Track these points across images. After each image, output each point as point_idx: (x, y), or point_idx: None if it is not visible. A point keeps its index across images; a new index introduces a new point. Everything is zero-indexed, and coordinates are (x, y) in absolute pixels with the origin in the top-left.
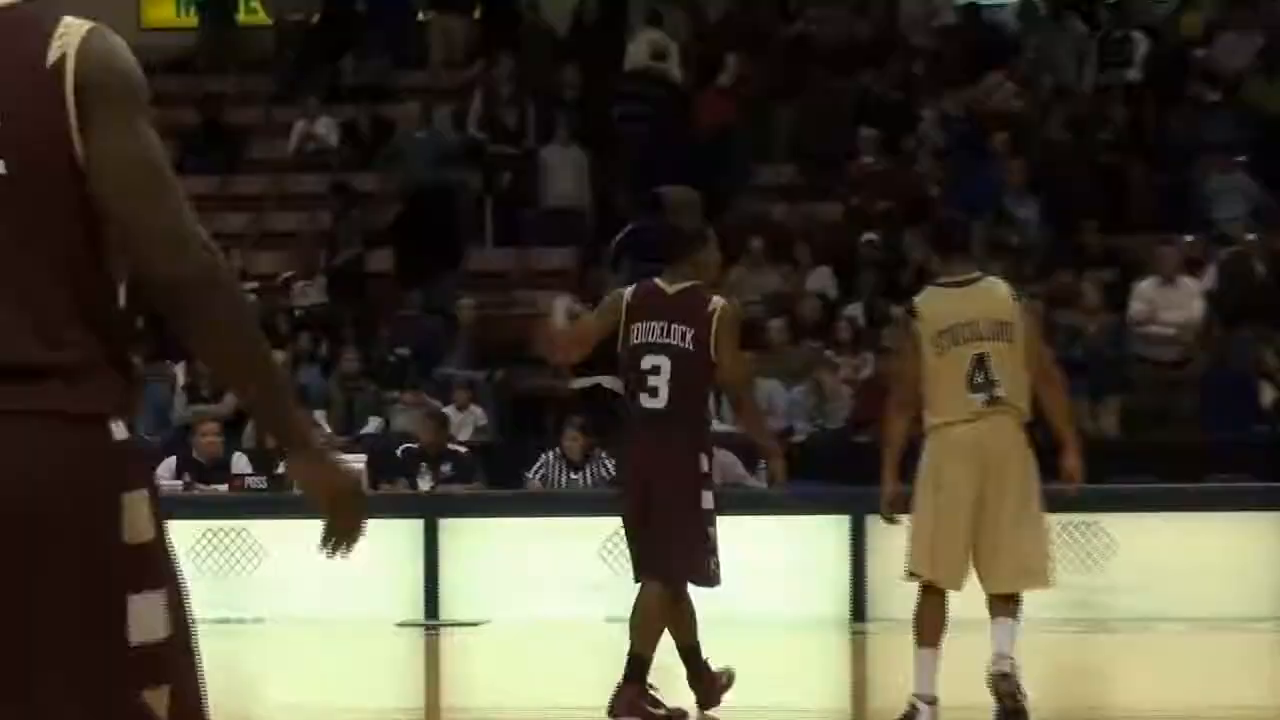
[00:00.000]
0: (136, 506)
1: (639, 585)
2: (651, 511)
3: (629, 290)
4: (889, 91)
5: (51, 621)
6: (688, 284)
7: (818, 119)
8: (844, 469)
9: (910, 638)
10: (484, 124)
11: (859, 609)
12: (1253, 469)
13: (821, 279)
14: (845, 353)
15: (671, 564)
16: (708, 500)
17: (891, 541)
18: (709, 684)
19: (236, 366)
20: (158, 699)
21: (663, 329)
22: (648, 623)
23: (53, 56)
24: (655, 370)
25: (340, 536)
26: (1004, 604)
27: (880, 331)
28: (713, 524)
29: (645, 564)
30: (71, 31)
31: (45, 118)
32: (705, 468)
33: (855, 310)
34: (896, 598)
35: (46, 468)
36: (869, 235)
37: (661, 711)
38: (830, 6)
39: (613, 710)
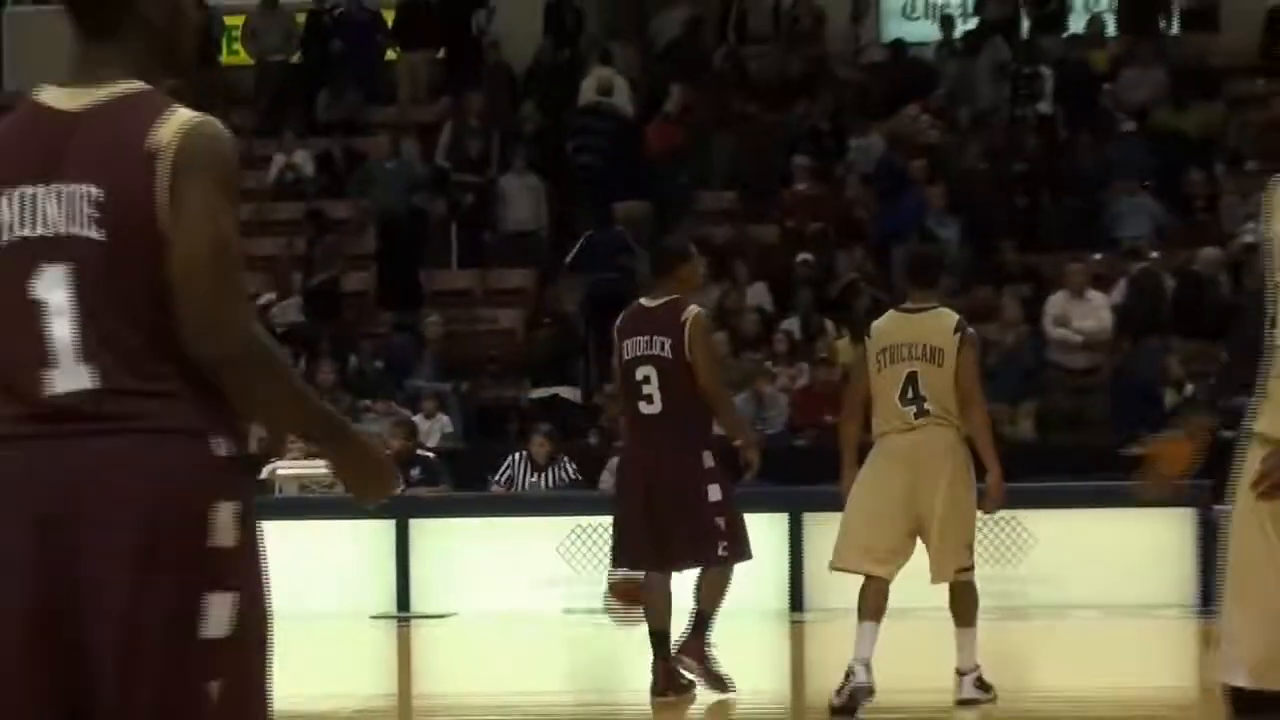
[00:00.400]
0: (225, 515)
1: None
2: (654, 508)
3: (620, 318)
4: (820, 123)
5: (141, 608)
6: (668, 298)
7: (755, 148)
8: (783, 471)
9: (842, 626)
10: (451, 154)
11: (797, 600)
12: None
13: (759, 295)
14: (782, 363)
15: (673, 555)
16: (715, 493)
17: (826, 538)
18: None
19: (273, 423)
20: (213, 688)
21: (646, 342)
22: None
23: (156, 141)
24: (647, 380)
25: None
26: (955, 613)
27: (814, 344)
28: (722, 514)
29: (643, 556)
30: (178, 119)
31: (140, 196)
32: (709, 463)
33: (791, 324)
34: (832, 590)
35: (150, 474)
36: (803, 255)
37: (719, 671)
38: (765, 44)
39: (678, 653)
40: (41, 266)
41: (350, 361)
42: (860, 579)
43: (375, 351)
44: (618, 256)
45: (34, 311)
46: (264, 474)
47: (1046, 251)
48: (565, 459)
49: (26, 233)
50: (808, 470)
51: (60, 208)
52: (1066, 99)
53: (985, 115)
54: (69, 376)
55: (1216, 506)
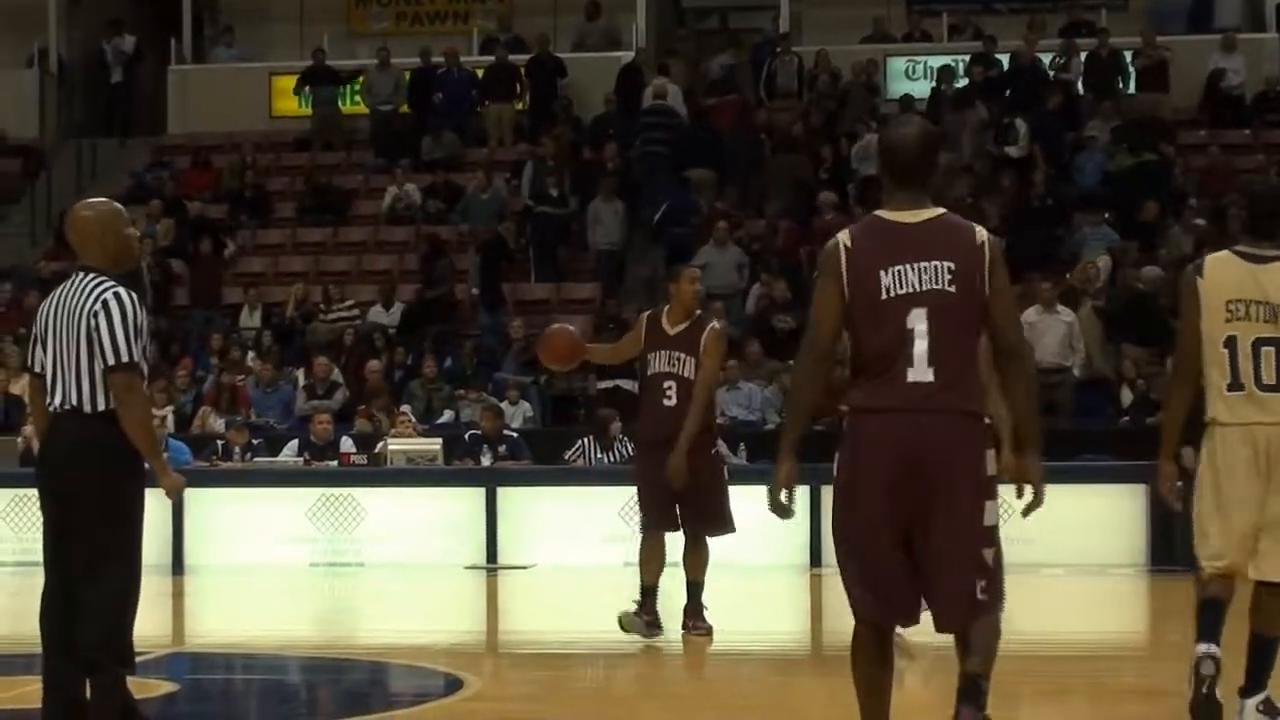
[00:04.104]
0: (989, 456)
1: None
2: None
3: (644, 323)
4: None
5: (957, 501)
6: (689, 322)
7: (787, 184)
8: (805, 450)
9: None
10: (532, 189)
11: (815, 557)
12: (1115, 451)
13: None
14: None
15: (702, 519)
16: (724, 473)
17: None
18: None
19: (1020, 396)
20: (989, 555)
21: (668, 359)
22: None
23: (979, 240)
24: (669, 388)
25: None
26: None
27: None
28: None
29: (669, 519)
30: (980, 230)
31: (975, 271)
32: (718, 447)
33: None
34: None
35: (961, 433)
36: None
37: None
38: (790, 99)
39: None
40: (911, 309)
41: (452, 357)
42: None
43: (471, 349)
44: (689, 216)
45: (907, 336)
46: (377, 449)
47: (1021, 272)
48: (625, 439)
49: (900, 291)
50: (825, 450)
51: (919, 276)
52: (1042, 144)
53: (971, 157)
54: (919, 373)
55: None
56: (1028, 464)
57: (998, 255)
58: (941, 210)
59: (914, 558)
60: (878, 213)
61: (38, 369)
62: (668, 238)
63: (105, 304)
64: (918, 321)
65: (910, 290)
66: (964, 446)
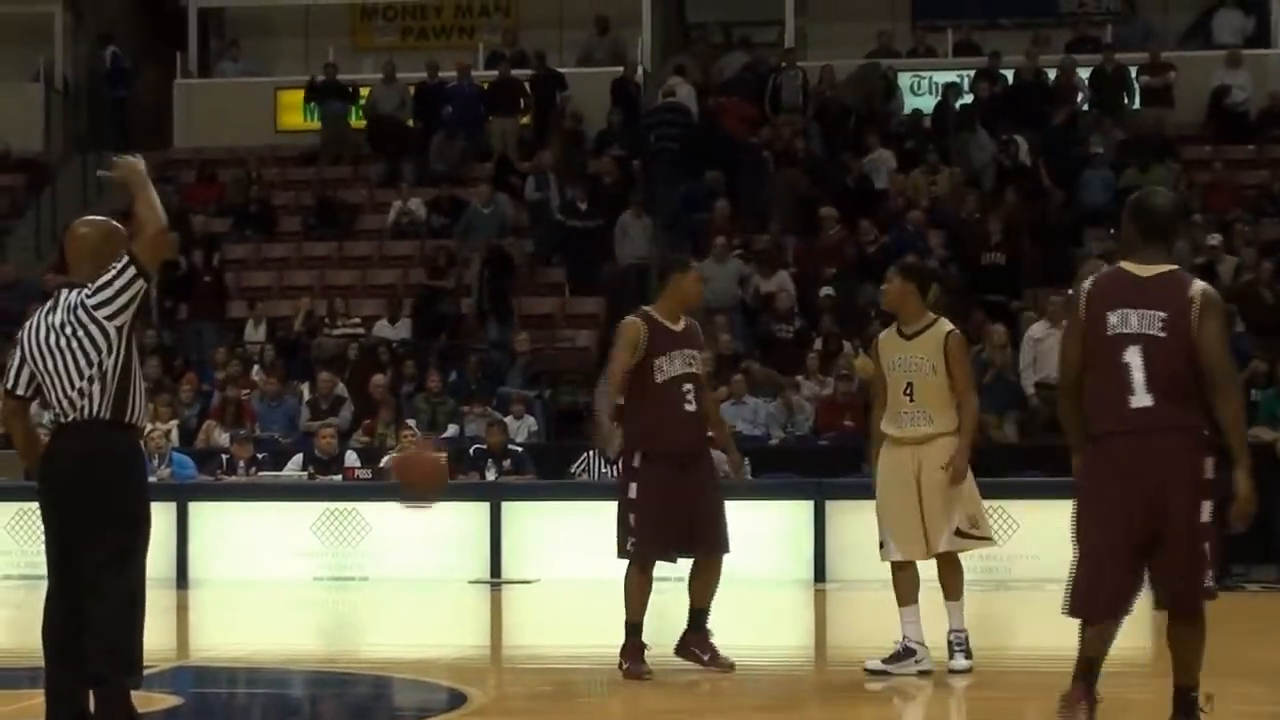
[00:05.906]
0: (1209, 463)
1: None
2: (699, 496)
3: (641, 328)
4: (847, 179)
5: (1186, 506)
6: (689, 320)
7: (786, 204)
8: (810, 466)
9: (856, 594)
10: (534, 200)
11: (820, 572)
12: None
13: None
14: (811, 377)
15: (716, 539)
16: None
17: (843, 520)
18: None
19: (1226, 421)
20: (1209, 548)
21: (684, 359)
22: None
23: (1193, 294)
24: (688, 390)
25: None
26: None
27: (836, 361)
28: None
29: (675, 547)
30: (1198, 285)
31: (1184, 320)
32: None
33: (818, 344)
34: (849, 564)
35: (1186, 446)
36: (826, 290)
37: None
38: (795, 114)
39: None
40: (1128, 346)
41: (457, 371)
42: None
43: (476, 363)
44: (707, 201)
45: (1125, 368)
46: (381, 464)
47: (1028, 287)
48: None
49: (1122, 330)
50: (830, 465)
51: (1139, 319)
52: (1048, 161)
53: (977, 174)
54: (1140, 399)
55: None
56: (1235, 477)
57: (1209, 306)
58: (1173, 267)
59: (1143, 559)
60: (1120, 263)
61: (20, 391)
62: (688, 223)
63: (86, 305)
64: (1133, 357)
65: (1130, 330)
66: (1184, 454)
